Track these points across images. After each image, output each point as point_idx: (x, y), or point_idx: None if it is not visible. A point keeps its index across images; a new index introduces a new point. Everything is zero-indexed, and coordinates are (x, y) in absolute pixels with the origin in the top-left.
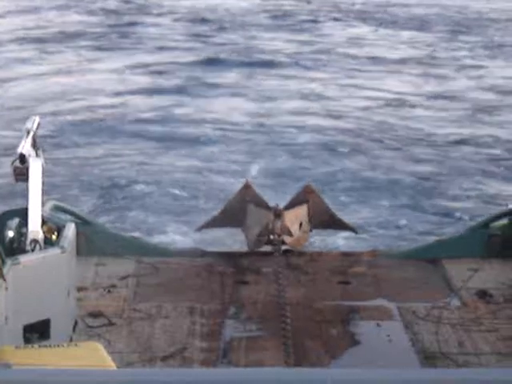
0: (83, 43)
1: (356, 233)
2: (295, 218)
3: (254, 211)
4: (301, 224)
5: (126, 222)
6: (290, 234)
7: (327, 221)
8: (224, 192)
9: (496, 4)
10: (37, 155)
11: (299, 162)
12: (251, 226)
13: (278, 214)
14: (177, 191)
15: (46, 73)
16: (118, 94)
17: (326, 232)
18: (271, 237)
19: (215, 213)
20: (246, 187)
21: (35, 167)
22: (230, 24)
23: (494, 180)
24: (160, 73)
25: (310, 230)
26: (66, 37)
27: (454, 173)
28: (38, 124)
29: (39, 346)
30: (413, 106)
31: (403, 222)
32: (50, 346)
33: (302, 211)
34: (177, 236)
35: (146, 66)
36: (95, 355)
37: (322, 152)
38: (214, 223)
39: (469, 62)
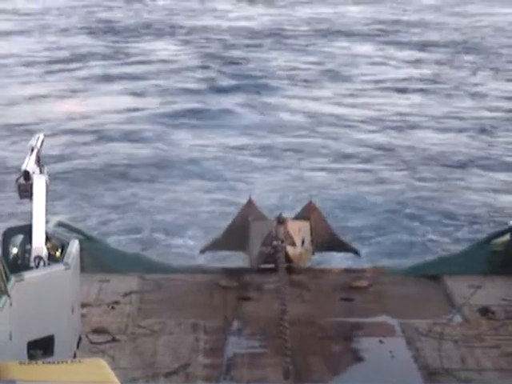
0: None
1: (358, 254)
2: (298, 231)
3: (256, 225)
4: (303, 241)
5: None
6: (293, 243)
7: (329, 242)
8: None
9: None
10: (41, 172)
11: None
12: (254, 242)
13: (281, 222)
14: None
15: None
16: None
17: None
18: (274, 242)
19: (219, 234)
20: (249, 204)
21: (39, 184)
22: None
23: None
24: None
25: (313, 253)
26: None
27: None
28: (42, 141)
29: (43, 363)
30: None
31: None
32: (53, 362)
33: (304, 228)
34: None
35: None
36: (99, 372)
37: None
38: (218, 245)
39: (473, 80)
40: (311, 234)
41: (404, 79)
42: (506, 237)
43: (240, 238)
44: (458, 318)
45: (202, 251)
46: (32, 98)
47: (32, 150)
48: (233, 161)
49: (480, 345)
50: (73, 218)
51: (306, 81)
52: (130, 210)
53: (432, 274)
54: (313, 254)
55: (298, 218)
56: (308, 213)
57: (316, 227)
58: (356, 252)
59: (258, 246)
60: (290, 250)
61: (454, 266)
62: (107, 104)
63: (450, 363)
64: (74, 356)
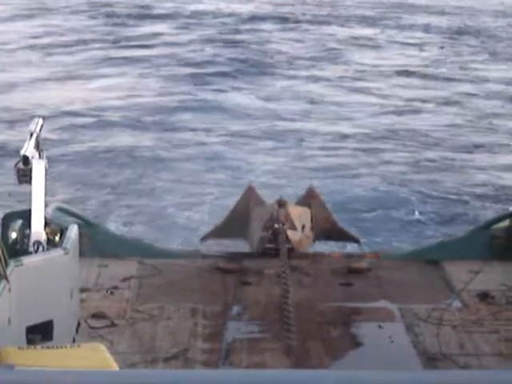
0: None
1: (359, 243)
2: (298, 216)
3: (257, 210)
4: (303, 227)
5: None
6: (293, 226)
7: (330, 230)
8: None
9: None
10: (40, 157)
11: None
12: (255, 227)
13: (281, 205)
14: None
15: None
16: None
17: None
18: (275, 225)
19: (220, 221)
20: (250, 190)
21: (38, 169)
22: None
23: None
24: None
25: (314, 241)
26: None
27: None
28: (42, 126)
29: (42, 347)
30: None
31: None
32: (52, 347)
33: (305, 214)
34: None
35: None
36: (98, 356)
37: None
38: (219, 233)
39: (474, 66)
40: (312, 220)
41: (405, 64)
42: (506, 222)
43: (241, 224)
44: (457, 303)
45: (203, 239)
46: (32, 82)
47: (31, 135)
48: (235, 143)
49: (479, 330)
50: (74, 200)
51: (306, 64)
52: (132, 191)
53: (431, 258)
54: (313, 241)
55: (298, 204)
56: (309, 199)
57: (317, 214)
58: (357, 241)
59: (259, 230)
60: (290, 233)
61: (454, 251)
62: (107, 87)
63: (448, 348)
64: (73, 341)
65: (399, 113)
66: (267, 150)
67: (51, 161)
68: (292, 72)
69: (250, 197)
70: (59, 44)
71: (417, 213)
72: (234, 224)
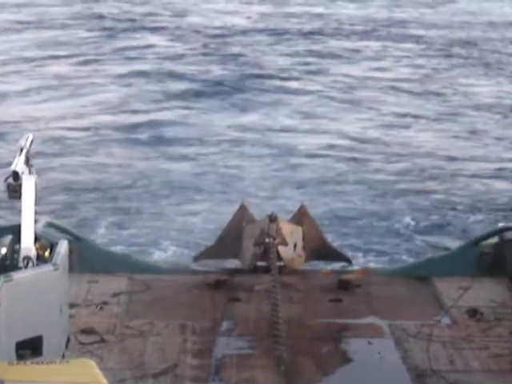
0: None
1: (350, 263)
2: (290, 233)
3: (249, 228)
4: (295, 245)
5: None
6: (284, 242)
7: (321, 249)
8: None
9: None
10: (30, 172)
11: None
12: (247, 245)
13: (273, 220)
14: None
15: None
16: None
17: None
18: (266, 240)
19: (213, 241)
20: (242, 209)
21: (28, 184)
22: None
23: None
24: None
25: (305, 261)
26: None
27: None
28: (32, 141)
29: (32, 363)
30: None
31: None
32: (42, 362)
33: (296, 232)
34: None
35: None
36: (87, 372)
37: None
38: (211, 253)
39: (465, 81)
40: (303, 239)
41: (397, 77)
42: (495, 238)
43: (234, 244)
44: (446, 320)
45: (196, 260)
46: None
47: (21, 150)
48: (226, 150)
49: (468, 346)
50: (62, 217)
51: (297, 77)
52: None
53: (421, 275)
54: (305, 261)
55: (290, 222)
56: (300, 218)
57: (308, 233)
58: (348, 260)
59: (251, 247)
60: (282, 250)
61: (443, 268)
62: (98, 99)
63: (438, 364)
64: (63, 356)
65: (389, 126)
66: (258, 159)
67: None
68: (283, 84)
69: (242, 215)
70: (50, 56)
71: (408, 222)
72: (227, 243)
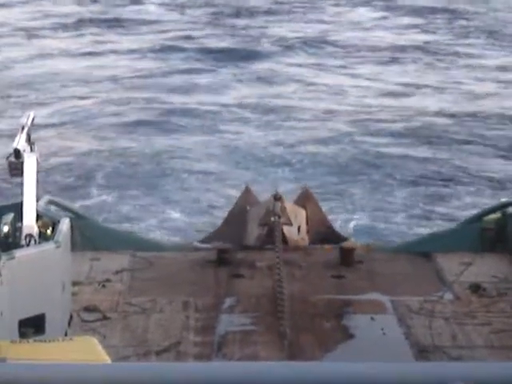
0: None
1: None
2: (295, 215)
3: (254, 210)
4: (299, 228)
5: None
6: (289, 221)
7: (324, 232)
8: None
9: None
10: (31, 150)
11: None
12: (251, 226)
13: (277, 198)
14: None
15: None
16: None
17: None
18: (271, 219)
19: (217, 226)
20: (247, 192)
21: (30, 162)
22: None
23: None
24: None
25: (309, 244)
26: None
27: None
28: (33, 119)
29: (34, 341)
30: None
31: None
32: (45, 340)
33: (300, 215)
34: None
35: None
36: (90, 349)
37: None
38: (216, 236)
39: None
40: (307, 223)
41: (398, 46)
42: (497, 214)
43: (239, 227)
44: (448, 295)
45: (202, 243)
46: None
47: (22, 128)
48: (227, 116)
49: (471, 322)
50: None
51: (299, 47)
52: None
53: (423, 251)
54: (308, 244)
55: (294, 205)
56: (304, 201)
57: (312, 217)
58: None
59: (255, 228)
60: (286, 230)
61: (445, 244)
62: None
63: (440, 340)
64: (66, 334)
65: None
66: (259, 123)
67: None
68: (284, 54)
69: (246, 199)
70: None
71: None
72: (232, 227)
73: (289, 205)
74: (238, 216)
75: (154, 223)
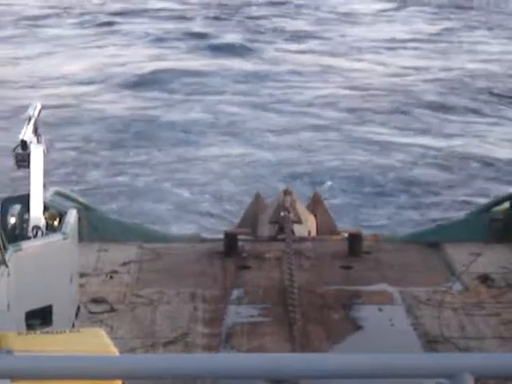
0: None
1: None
2: (305, 218)
3: (265, 214)
4: (309, 233)
5: None
6: (299, 218)
7: None
8: None
9: None
10: (38, 142)
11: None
12: (263, 225)
13: (287, 193)
14: None
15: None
16: None
17: None
18: (281, 213)
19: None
20: (257, 198)
21: (37, 153)
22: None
23: None
24: None
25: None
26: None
27: None
28: (40, 110)
29: (41, 332)
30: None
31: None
32: (52, 332)
33: (311, 221)
34: None
35: None
36: (98, 341)
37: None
38: None
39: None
40: (317, 231)
41: (401, 37)
42: (506, 204)
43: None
44: (457, 286)
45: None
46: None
47: (29, 120)
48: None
49: (479, 313)
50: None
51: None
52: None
53: (432, 241)
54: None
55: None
56: (314, 207)
57: (321, 223)
58: None
59: (266, 227)
60: (296, 230)
61: (454, 234)
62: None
63: (449, 331)
64: (73, 326)
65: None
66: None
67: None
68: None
69: (257, 205)
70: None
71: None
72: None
73: (300, 207)
74: (249, 222)
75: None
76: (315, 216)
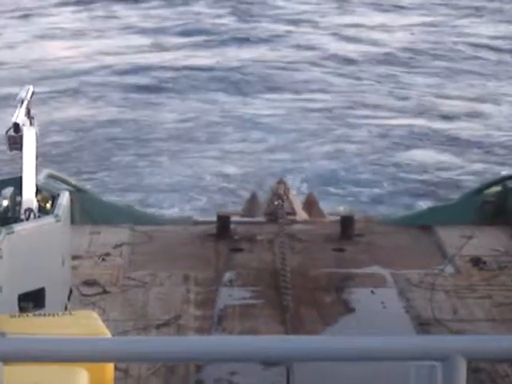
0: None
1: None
2: (298, 206)
3: (260, 211)
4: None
5: None
6: (292, 210)
7: None
8: None
9: None
10: (31, 124)
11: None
12: (258, 218)
13: (281, 182)
14: None
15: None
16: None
17: None
18: (275, 202)
19: None
20: (253, 198)
21: (29, 136)
22: None
23: None
24: None
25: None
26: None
27: None
28: (32, 93)
29: (34, 315)
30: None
31: None
32: (44, 314)
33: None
34: None
35: None
36: (90, 324)
37: None
38: None
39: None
40: None
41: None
42: (498, 187)
43: None
44: (449, 269)
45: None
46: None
47: (22, 102)
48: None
49: (472, 295)
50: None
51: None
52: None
53: (423, 224)
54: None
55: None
56: (308, 208)
57: None
58: None
59: (261, 219)
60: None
61: (446, 216)
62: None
63: (441, 314)
64: (65, 308)
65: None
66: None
67: None
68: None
69: (253, 205)
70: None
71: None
72: None
73: (294, 196)
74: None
75: None
76: (310, 216)
